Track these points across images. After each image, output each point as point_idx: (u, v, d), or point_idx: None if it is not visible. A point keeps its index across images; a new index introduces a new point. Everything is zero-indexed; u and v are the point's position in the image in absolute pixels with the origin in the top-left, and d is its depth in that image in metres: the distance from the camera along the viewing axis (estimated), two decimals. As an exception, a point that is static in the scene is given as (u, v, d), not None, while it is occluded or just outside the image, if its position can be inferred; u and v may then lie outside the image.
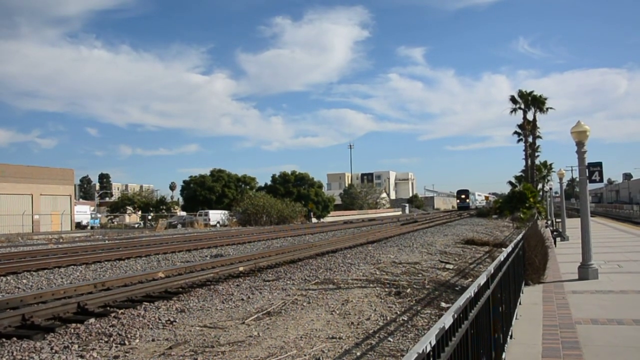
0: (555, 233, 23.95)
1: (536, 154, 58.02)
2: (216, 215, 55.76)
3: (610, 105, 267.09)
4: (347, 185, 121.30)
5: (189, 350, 5.88)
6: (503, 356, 5.01)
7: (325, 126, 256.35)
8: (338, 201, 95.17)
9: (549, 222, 38.20)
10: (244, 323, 7.11)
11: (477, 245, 20.07)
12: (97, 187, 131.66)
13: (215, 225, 52.79)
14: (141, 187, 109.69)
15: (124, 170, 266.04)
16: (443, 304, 8.34)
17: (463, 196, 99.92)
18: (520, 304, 8.16)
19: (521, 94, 55.21)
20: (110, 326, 7.07)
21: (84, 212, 62.31)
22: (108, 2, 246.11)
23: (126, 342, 6.28)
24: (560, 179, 29.68)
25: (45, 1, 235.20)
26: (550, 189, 53.92)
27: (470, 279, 11.13)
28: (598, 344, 6.12)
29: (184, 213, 64.11)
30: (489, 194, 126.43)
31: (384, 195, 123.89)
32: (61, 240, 29.94)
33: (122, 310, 8.11)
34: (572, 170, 54.63)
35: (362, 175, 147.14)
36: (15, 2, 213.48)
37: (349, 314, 7.60)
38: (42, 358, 5.69)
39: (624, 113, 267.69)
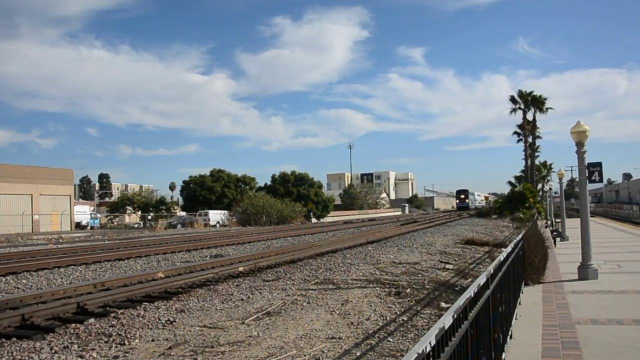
0: (555, 233, 23.95)
1: (536, 154, 58.10)
2: (216, 216, 55.76)
3: (610, 105, 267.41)
4: (346, 185, 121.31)
5: (189, 350, 5.88)
6: (503, 356, 5.01)
7: (325, 126, 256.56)
8: (338, 201, 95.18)
9: (549, 222, 38.22)
10: (243, 323, 7.11)
11: (476, 245, 20.07)
12: (97, 187, 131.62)
13: (215, 226, 52.79)
14: (141, 187, 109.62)
15: (123, 170, 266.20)
16: (443, 304, 8.34)
17: (462, 196, 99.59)
18: (520, 304, 8.16)
19: (521, 94, 55.24)
20: (110, 326, 7.07)
21: (83, 212, 62.30)
22: (108, 2, 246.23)
23: (126, 342, 6.28)
24: (560, 179, 29.69)
25: (45, 1, 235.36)
26: (550, 189, 54.01)
27: (470, 279, 11.13)
28: (598, 344, 6.12)
29: (183, 213, 64.09)
30: (489, 194, 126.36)
31: (383, 195, 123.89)
32: (61, 241, 29.93)
33: (121, 311, 8.11)
34: (571, 170, 54.71)
35: (362, 175, 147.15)
36: (15, 2, 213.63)
37: (348, 314, 7.60)
38: (41, 358, 5.69)
39: (623, 113, 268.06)
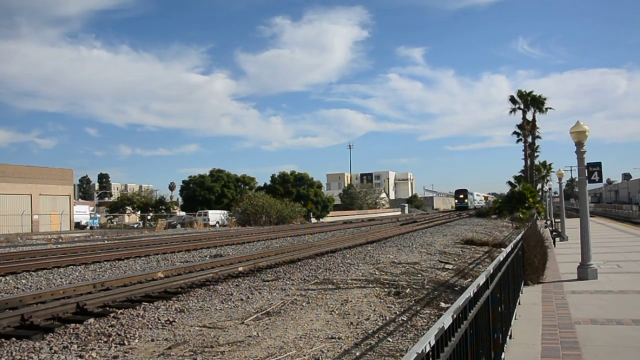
0: (554, 233, 23.95)
1: (535, 154, 58.10)
2: (215, 216, 55.74)
3: (610, 106, 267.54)
4: (346, 185, 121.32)
5: (188, 350, 5.88)
6: (502, 356, 5.01)
7: (325, 126, 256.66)
8: (337, 201, 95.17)
9: (548, 222, 38.20)
10: (243, 323, 7.11)
11: (476, 245, 20.07)
12: (97, 187, 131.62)
13: (214, 226, 52.77)
14: (140, 187, 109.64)
15: (123, 170, 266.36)
16: (442, 304, 8.34)
17: (461, 196, 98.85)
18: (519, 304, 8.16)
19: (520, 94, 55.23)
20: (109, 326, 7.07)
21: (83, 212, 62.25)
22: (107, 2, 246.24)
23: (125, 342, 6.28)
24: (560, 179, 29.70)
25: (45, 1, 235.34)
26: (550, 189, 54.09)
27: (469, 279, 11.14)
28: (597, 344, 6.12)
29: (183, 213, 64.06)
30: (488, 194, 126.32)
31: (383, 195, 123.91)
32: (60, 241, 29.92)
33: (121, 311, 8.11)
34: (571, 170, 54.68)
35: (362, 175, 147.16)
36: (15, 2, 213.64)
37: (348, 314, 7.60)
38: (41, 358, 5.69)
39: (623, 113, 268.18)
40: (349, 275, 11.35)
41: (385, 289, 9.50)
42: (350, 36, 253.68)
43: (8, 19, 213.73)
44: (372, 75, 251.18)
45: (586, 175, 12.16)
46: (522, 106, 55.26)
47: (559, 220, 29.83)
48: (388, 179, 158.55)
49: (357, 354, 5.68)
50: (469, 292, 3.26)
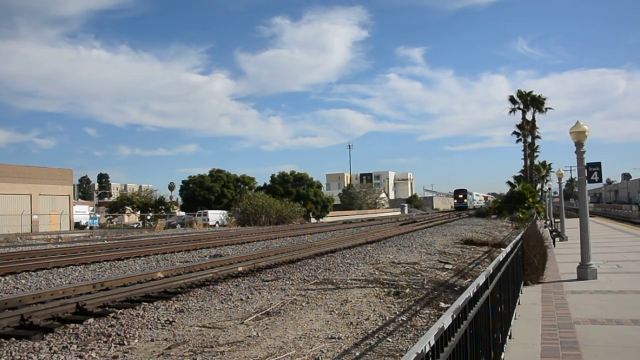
0: (554, 233, 23.96)
1: (535, 154, 58.14)
2: (215, 216, 55.73)
3: (609, 106, 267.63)
4: (346, 185, 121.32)
5: (188, 350, 5.88)
6: (502, 356, 5.01)
7: (325, 126, 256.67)
8: (337, 201, 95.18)
9: (548, 222, 38.23)
10: (243, 323, 7.11)
11: (476, 245, 20.07)
12: (96, 187, 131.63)
13: (214, 226, 52.77)
14: (140, 187, 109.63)
15: (122, 171, 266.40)
16: (442, 304, 8.34)
17: (461, 196, 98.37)
18: (519, 304, 8.17)
19: (520, 94, 55.26)
20: (109, 326, 7.07)
21: (82, 212, 62.24)
22: (107, 2, 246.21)
23: (125, 342, 6.28)
24: (559, 179, 29.70)
25: (44, 1, 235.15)
26: (549, 189, 54.03)
27: (469, 279, 11.14)
28: (597, 344, 6.12)
29: (183, 213, 64.07)
30: (488, 194, 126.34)
31: (383, 195, 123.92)
32: (60, 241, 29.91)
33: (121, 311, 8.11)
34: (571, 170, 54.86)
35: (361, 175, 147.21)
36: (15, 2, 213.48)
37: (348, 314, 7.60)
38: (40, 358, 5.69)
39: (622, 113, 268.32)
40: (349, 275, 11.35)
41: (385, 289, 9.50)
42: (350, 36, 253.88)
43: (7, 19, 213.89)
44: (372, 76, 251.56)
45: (586, 175, 12.17)
46: (521, 106, 55.30)
47: (558, 220, 29.85)
48: (388, 179, 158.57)
49: (357, 354, 5.68)
50: (469, 292, 3.26)
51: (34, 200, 48.45)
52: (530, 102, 54.85)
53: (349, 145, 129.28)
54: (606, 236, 24.80)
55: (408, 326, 6.97)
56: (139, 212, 66.62)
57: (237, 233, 33.41)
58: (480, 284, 3.79)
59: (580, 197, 12.78)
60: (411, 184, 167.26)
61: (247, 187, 69.54)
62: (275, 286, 10.12)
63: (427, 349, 2.10)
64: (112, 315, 7.85)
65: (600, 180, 13.02)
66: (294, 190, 70.81)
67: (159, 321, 7.35)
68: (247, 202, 54.54)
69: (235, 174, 70.60)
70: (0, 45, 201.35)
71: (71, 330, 6.90)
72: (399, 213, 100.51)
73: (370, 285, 9.96)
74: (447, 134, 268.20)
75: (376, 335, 6.49)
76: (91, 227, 56.98)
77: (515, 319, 6.99)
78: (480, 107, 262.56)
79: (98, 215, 68.04)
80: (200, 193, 65.37)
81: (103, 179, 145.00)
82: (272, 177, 74.59)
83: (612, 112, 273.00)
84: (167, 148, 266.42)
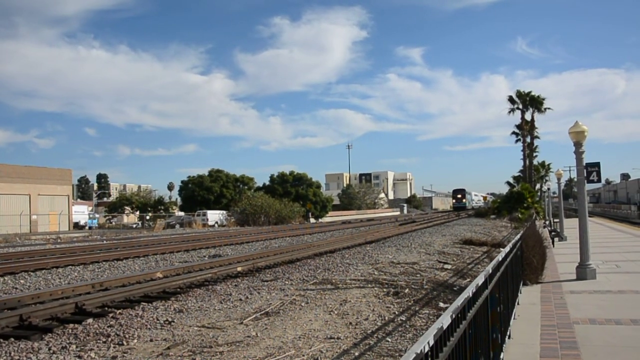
0: (553, 233, 23.96)
1: (534, 154, 58.18)
2: (214, 216, 55.71)
3: (609, 106, 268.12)
4: (345, 185, 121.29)
5: (187, 350, 5.87)
6: (501, 356, 5.01)
7: (324, 126, 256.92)
8: (336, 201, 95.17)
9: (547, 222, 38.23)
10: (242, 323, 7.11)
11: (475, 245, 20.07)
12: (95, 187, 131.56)
13: (213, 226, 52.74)
14: (139, 187, 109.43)
15: (122, 171, 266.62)
16: (441, 304, 8.34)
17: (459, 196, 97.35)
18: (518, 304, 8.17)
19: (519, 94, 55.25)
20: (108, 326, 7.06)
21: (81, 212, 62.20)
22: (106, 1, 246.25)
23: (124, 343, 6.27)
24: (559, 179, 29.72)
25: (43, 1, 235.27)
26: (549, 189, 54.00)
27: (468, 279, 11.14)
28: (596, 344, 6.12)
29: (182, 213, 64.03)
30: (487, 194, 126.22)
31: (382, 195, 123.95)
32: (59, 241, 29.88)
33: (120, 311, 8.10)
34: (570, 170, 54.92)
35: (361, 175, 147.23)
36: (14, 2, 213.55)
37: (347, 314, 7.60)
38: (39, 358, 5.68)
39: (622, 113, 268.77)
40: (348, 275, 11.35)
41: (384, 289, 9.50)
42: (349, 36, 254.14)
43: (6, 19, 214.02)
44: (371, 76, 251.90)
45: (585, 175, 12.17)
46: (520, 106, 55.29)
47: (557, 220, 29.85)
48: (387, 179, 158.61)
49: (356, 354, 5.68)
50: (468, 292, 3.26)
51: (33, 200, 48.40)
52: (530, 102, 54.84)
53: (348, 145, 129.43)
54: (605, 236, 24.82)
55: (407, 326, 6.97)
56: (138, 212, 66.56)
57: (236, 233, 33.39)
58: (480, 284, 3.79)
59: (579, 197, 12.79)
60: (410, 184, 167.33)
61: (246, 187, 69.52)
62: (275, 286, 10.12)
63: (427, 349, 2.10)
64: (111, 315, 7.84)
65: (599, 181, 13.04)
66: (293, 190, 70.80)
67: (158, 321, 7.34)
68: (247, 202, 54.54)
69: (234, 174, 70.63)
70: (0, 45, 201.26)
71: (70, 331, 6.90)
72: (398, 213, 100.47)
73: (369, 285, 9.95)
74: (447, 134, 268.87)
75: (375, 335, 6.49)
76: (90, 227, 56.93)
77: (514, 318, 6.99)
78: (479, 107, 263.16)
79: (97, 216, 67.95)
80: (200, 193, 65.34)
81: (102, 179, 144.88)
82: (272, 177, 74.68)
83: (611, 112, 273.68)
84: (167, 148, 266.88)
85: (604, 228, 32.50)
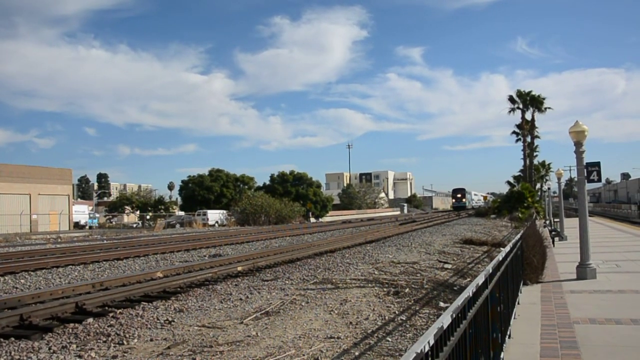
0: (553, 233, 23.96)
1: (534, 153, 58.15)
2: (214, 215, 55.72)
3: (609, 105, 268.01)
4: (345, 185, 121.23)
5: (188, 350, 5.87)
6: (501, 356, 5.01)
7: (324, 126, 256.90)
8: (336, 201, 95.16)
9: (548, 221, 38.23)
10: (242, 323, 7.11)
11: (475, 245, 20.08)
12: (95, 187, 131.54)
13: (213, 225, 52.75)
14: (139, 186, 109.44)
15: (122, 170, 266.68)
16: (441, 304, 8.34)
17: (459, 195, 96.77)
18: (518, 303, 8.17)
19: (519, 94, 55.23)
20: (108, 326, 7.06)
21: (82, 212, 62.18)
22: (106, 1, 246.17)
23: (124, 342, 6.27)
24: (559, 178, 29.71)
25: (43, 1, 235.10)
26: (549, 188, 53.97)
27: (468, 279, 11.14)
28: (596, 344, 6.12)
29: (182, 213, 64.04)
30: (487, 193, 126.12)
31: (382, 195, 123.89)
32: (59, 240, 29.89)
33: (120, 310, 8.11)
34: (570, 170, 54.88)
35: (361, 175, 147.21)
36: (14, 1, 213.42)
37: (347, 313, 7.60)
38: (40, 358, 5.68)
39: (622, 113, 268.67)
40: (348, 274, 11.35)
41: (385, 289, 9.50)
42: (349, 36, 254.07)
43: (6, 19, 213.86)
44: (371, 75, 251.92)
45: (585, 175, 12.17)
46: (521, 106, 55.27)
47: (558, 219, 29.86)
48: (387, 178, 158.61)
49: (356, 353, 5.68)
50: (468, 292, 3.26)
51: (33, 200, 48.41)
52: (530, 101, 54.82)
53: (349, 145, 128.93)
54: (605, 236, 24.81)
55: (407, 326, 6.98)
56: (138, 212, 66.59)
57: (237, 233, 33.40)
58: (480, 283, 3.79)
59: (579, 196, 12.78)
60: (410, 183, 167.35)
61: (246, 186, 69.54)
62: (275, 286, 10.12)
63: (427, 348, 2.10)
64: (111, 315, 7.84)
65: (599, 180, 13.03)
66: (293, 190, 70.81)
67: (158, 321, 7.34)
68: (247, 202, 54.54)
69: (234, 174, 70.66)
70: (0, 45, 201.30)
71: (70, 330, 6.90)
72: (398, 213, 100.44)
73: (369, 284, 9.96)
74: (447, 133, 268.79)
75: (375, 334, 6.49)
76: (90, 227, 56.94)
77: (514, 318, 6.99)
78: (479, 106, 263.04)
79: (97, 215, 67.95)
80: (200, 193, 65.36)
81: (102, 178, 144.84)
82: (272, 176, 74.68)
83: (611, 111, 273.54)
84: (167, 148, 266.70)
85: (604, 228, 32.50)
